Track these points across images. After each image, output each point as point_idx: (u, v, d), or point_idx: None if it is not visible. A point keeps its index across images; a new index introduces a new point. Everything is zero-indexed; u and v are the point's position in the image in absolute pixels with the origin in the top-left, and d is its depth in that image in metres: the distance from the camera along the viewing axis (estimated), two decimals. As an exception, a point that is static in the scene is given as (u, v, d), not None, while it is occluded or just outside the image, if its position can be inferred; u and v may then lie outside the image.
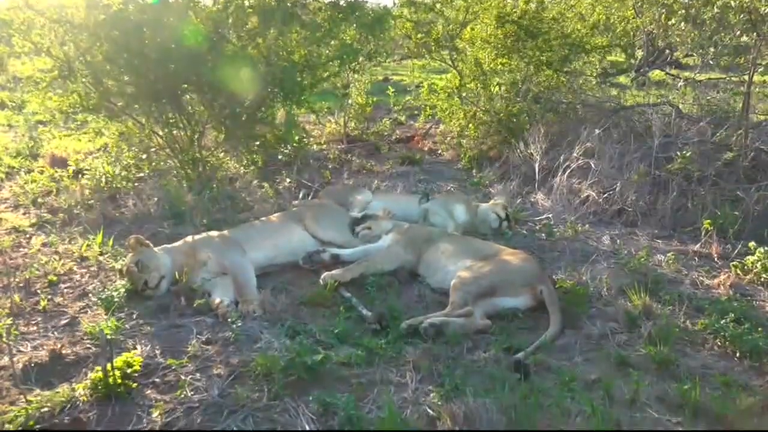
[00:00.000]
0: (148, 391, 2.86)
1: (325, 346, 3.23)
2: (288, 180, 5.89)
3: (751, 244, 4.47)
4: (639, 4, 8.44)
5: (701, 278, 4.25)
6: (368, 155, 7.23)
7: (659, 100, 7.51)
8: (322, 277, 3.92)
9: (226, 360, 3.09)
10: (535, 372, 3.08)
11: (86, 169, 5.97)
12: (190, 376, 2.96)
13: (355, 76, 7.84)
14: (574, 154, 5.81)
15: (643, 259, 4.35)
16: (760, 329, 3.44)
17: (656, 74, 10.93)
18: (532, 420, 2.64)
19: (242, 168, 6.21)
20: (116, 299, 3.62)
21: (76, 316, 3.54)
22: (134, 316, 3.54)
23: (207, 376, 2.97)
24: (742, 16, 5.81)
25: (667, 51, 11.54)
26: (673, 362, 3.20)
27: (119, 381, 2.82)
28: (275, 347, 3.16)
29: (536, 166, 6.01)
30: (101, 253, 4.34)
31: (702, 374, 3.11)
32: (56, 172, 6.04)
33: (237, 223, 4.71)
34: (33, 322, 3.46)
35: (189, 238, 4.13)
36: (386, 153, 7.35)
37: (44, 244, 4.51)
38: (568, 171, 5.70)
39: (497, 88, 7.21)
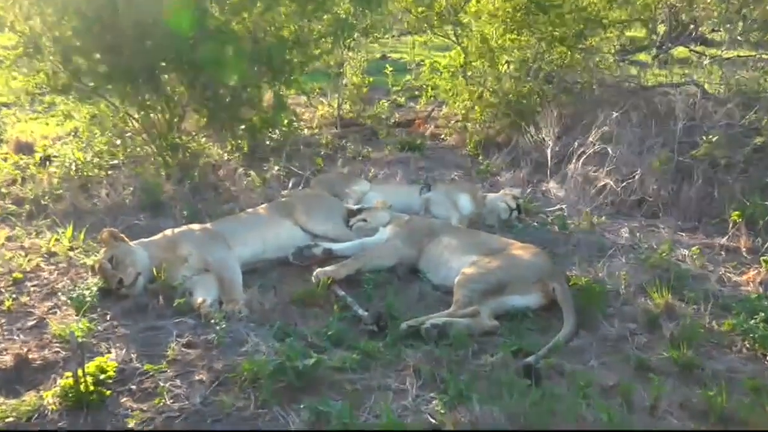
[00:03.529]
0: (124, 399, 2.85)
1: (317, 349, 3.22)
2: (276, 168, 5.87)
3: (783, 236, 4.47)
4: (661, -26, 8.40)
5: (728, 274, 4.24)
6: (364, 140, 7.21)
7: (683, 80, 7.48)
8: (314, 273, 3.91)
9: (209, 365, 3.08)
10: (546, 377, 3.08)
11: (54, 156, 5.94)
12: (169, 383, 2.95)
13: (350, 53, 7.79)
14: (590, 139, 5.79)
15: (665, 254, 4.34)
16: (792, 330, 3.45)
17: (680, 51, 10.88)
18: (544, 429, 2.64)
19: (226, 154, 6.18)
20: (88, 298, 3.60)
21: (43, 317, 3.52)
22: (108, 317, 3.53)
23: (188, 382, 2.96)
24: (774, -14, 5.78)
25: (692, 26, 11.49)
26: (697, 366, 3.20)
27: (91, 388, 2.80)
28: (263, 351, 3.15)
29: (548, 152, 6.00)
30: (71, 248, 4.32)
31: (729, 379, 3.11)
32: (21, 159, 6.00)
33: (221, 215, 4.69)
34: (-4, 324, 3.45)
35: (168, 232, 4.12)
36: (384, 138, 7.33)
37: (9, 239, 4.49)
38: (584, 157, 5.68)
39: (506, 67, 7.17)
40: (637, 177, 5.42)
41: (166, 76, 5.39)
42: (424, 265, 4.13)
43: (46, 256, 4.22)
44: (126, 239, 3.94)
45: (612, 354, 3.35)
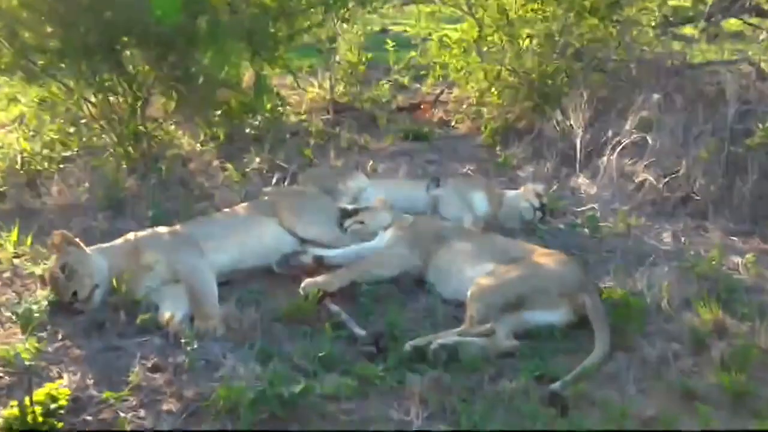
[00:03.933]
0: (78, 432, 2.85)
1: (305, 373, 3.22)
2: (258, 160, 5.87)
3: None
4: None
5: (789, 286, 4.26)
6: (361, 128, 7.18)
7: (735, 57, 7.48)
8: (302, 285, 3.91)
9: (178, 392, 3.08)
10: (575, 406, 3.08)
11: (-3, 147, 5.94)
12: (132, 413, 2.95)
13: (345, 26, 7.74)
14: (627, 127, 5.79)
15: (714, 262, 4.34)
16: None
17: (732, 24, 10.87)
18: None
19: (199, 145, 6.17)
20: (36, 314, 3.59)
21: (-16, 337, 3.52)
22: (60, 336, 3.52)
23: (154, 412, 2.96)
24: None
25: (747, -7, 11.49)
26: (751, 393, 3.19)
27: (40, 419, 2.80)
28: (242, 375, 3.15)
29: (578, 141, 5.99)
30: (16, 255, 4.32)
31: (788, 409, 3.12)
32: (-44, 150, 6.00)
33: (193, 215, 4.69)
34: (-71, 344, 3.44)
35: (130, 236, 4.12)
36: (385, 125, 7.31)
37: (-57, 244, 4.48)
38: (619, 148, 5.68)
39: (527, 42, 7.15)
40: (681, 171, 5.42)
41: (128, 52, 5.38)
42: (431, 276, 4.14)
43: (-14, 264, 4.22)
44: (81, 244, 3.93)
45: (652, 380, 3.35)
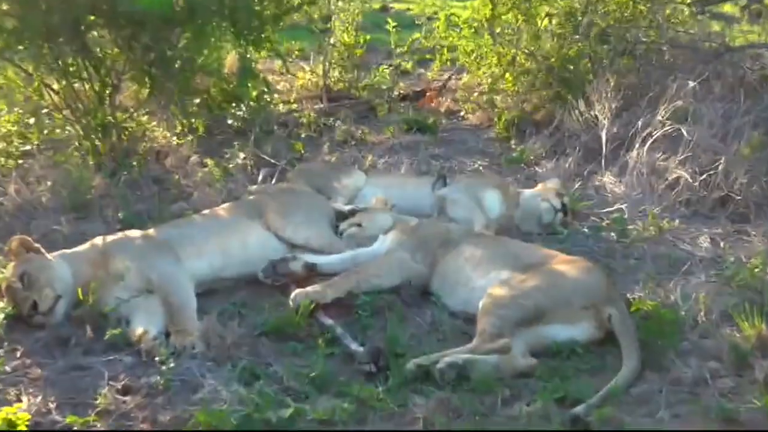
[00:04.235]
0: (39, 463, 2.85)
1: (296, 396, 3.23)
2: (242, 155, 5.86)
3: None
4: None
5: (842, 297, 4.23)
6: (359, 119, 7.19)
7: (781, 39, 7.49)
8: (291, 296, 3.90)
9: (152, 416, 3.07)
10: (601, 433, 3.08)
11: (-54, 141, 5.93)
12: (99, 440, 2.94)
13: (340, 3, 7.78)
14: (659, 117, 5.78)
15: (758, 270, 4.31)
16: None
17: (777, 1, 10.87)
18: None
19: (175, 138, 6.15)
20: (-8, 329, 3.60)
21: (-67, 354, 3.51)
22: (18, 354, 3.52)
23: (125, 439, 2.96)
24: None
25: (794, -33, 11.48)
26: (800, 418, 3.19)
27: (-3, 447, 2.81)
28: (224, 398, 3.14)
29: (603, 134, 6.00)
30: (-30, 263, 4.31)
31: (842, 436, 3.12)
32: None
33: (168, 218, 4.68)
34: None
35: (98, 241, 4.11)
36: (385, 116, 7.32)
37: None
38: (650, 141, 5.67)
39: (546, 22, 7.17)
40: (720, 168, 5.40)
41: (95, 33, 5.39)
42: (437, 285, 4.13)
43: (-65, 272, 4.21)
44: (42, 250, 3.93)
45: (687, 403, 3.34)
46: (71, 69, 5.39)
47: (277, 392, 3.21)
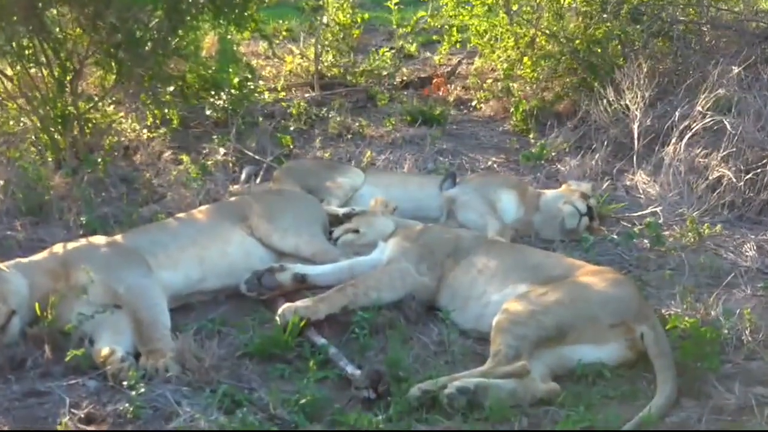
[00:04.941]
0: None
1: (284, 425, 3.21)
2: (222, 151, 5.87)
3: None
4: None
5: None
6: (356, 109, 7.21)
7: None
8: (279, 311, 3.88)
9: (119, 450, 3.04)
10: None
11: None
12: (57, 478, 2.92)
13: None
14: (698, 108, 5.78)
15: (811, 282, 4.33)
16: None
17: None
18: None
19: (146, 130, 6.15)
20: (-65, 349, 3.56)
21: None
22: (-34, 378, 3.48)
23: (86, 477, 2.93)
24: None
25: None
26: None
27: (-62, 488, 2.76)
28: (202, 427, 3.13)
29: (634, 127, 5.99)
30: None
31: None
32: None
33: (138, 222, 4.68)
34: None
35: (58, 248, 4.09)
36: (385, 105, 7.34)
37: None
38: (688, 135, 5.67)
39: (569, -1, 7.18)
40: (768, 165, 5.41)
41: (54, 11, 5.37)
42: (446, 300, 4.12)
43: None
44: (-6, 260, 3.91)
45: (731, 434, 3.31)
46: (27, 52, 5.39)
47: (262, 421, 3.20)
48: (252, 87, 6.79)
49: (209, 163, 5.70)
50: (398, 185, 5.30)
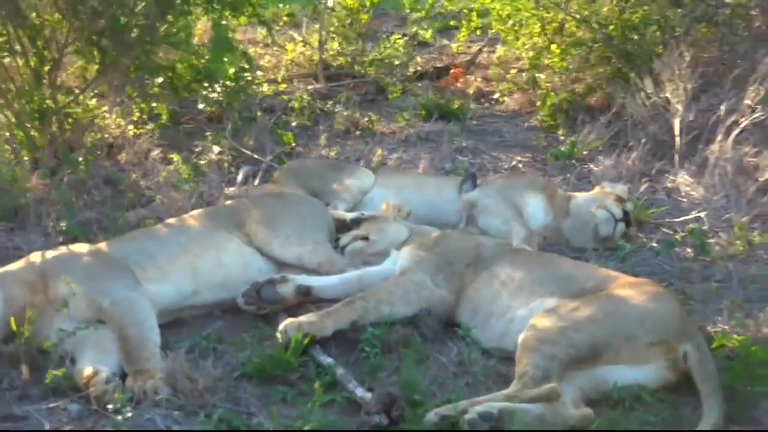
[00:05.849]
0: None
1: (286, 454, 3.21)
2: (217, 149, 5.89)
3: None
4: None
5: None
6: (365, 103, 7.23)
7: None
8: (280, 327, 3.91)
9: (104, 480, 3.09)
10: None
11: None
12: None
13: (340, -45, 7.82)
14: (746, 102, 5.77)
15: None
16: None
17: None
18: None
19: (132, 126, 6.17)
20: None
21: None
22: (-64, 400, 3.52)
23: None
24: None
25: None
26: None
27: None
28: (195, 456, 3.15)
29: (676, 122, 5.99)
30: None
31: None
32: None
33: (124, 229, 4.69)
34: None
35: (35, 257, 4.11)
36: (397, 98, 7.34)
37: None
38: (736, 132, 5.66)
39: (603, -22, 7.17)
40: (826, 165, 5.43)
41: (31, -5, 5.39)
42: (466, 315, 4.13)
43: None
44: (-35, 270, 3.94)
45: (785, 465, 3.33)
46: (0, 40, 5.40)
47: (261, 449, 3.21)
48: (249, 78, 6.77)
49: (202, 162, 5.72)
50: (412, 187, 5.32)
